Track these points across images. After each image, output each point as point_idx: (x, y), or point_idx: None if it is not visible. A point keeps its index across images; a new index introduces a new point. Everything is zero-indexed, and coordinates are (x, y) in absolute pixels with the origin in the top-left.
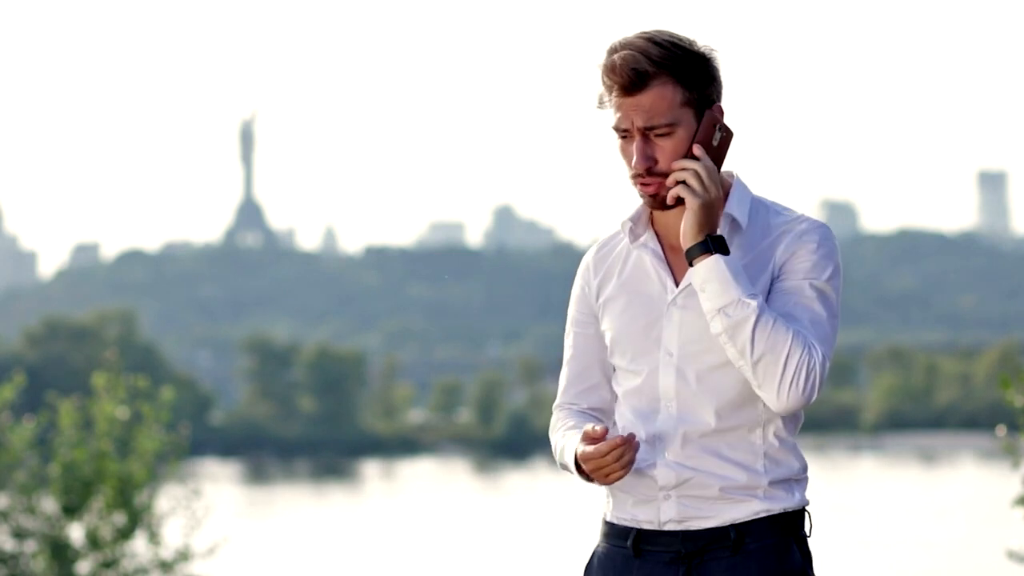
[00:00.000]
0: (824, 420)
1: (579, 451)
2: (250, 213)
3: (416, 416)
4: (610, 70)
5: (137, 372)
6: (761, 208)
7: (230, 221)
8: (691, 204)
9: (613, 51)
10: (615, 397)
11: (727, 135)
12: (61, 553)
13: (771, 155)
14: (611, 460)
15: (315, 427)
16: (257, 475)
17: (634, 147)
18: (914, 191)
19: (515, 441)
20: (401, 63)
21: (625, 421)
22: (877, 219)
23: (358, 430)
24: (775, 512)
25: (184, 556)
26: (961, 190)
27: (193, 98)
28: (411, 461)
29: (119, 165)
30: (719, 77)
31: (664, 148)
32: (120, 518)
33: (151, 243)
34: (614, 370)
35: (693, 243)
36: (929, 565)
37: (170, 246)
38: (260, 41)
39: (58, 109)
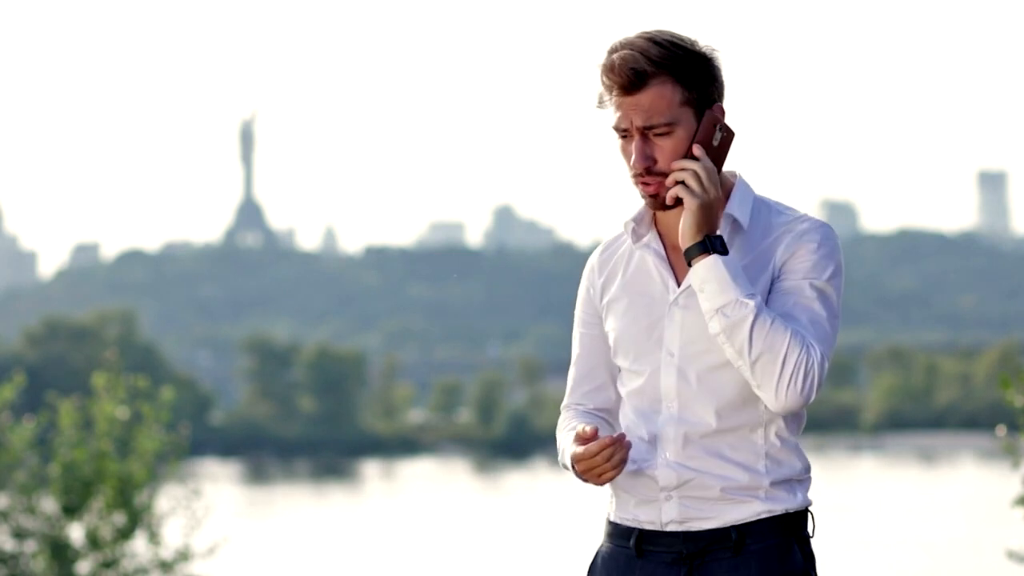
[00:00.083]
0: (824, 420)
1: (571, 452)
2: (250, 213)
3: (416, 416)
4: (609, 69)
5: (137, 372)
6: (763, 208)
7: (230, 221)
8: (689, 204)
9: (613, 51)
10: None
11: (728, 135)
12: (61, 553)
13: (771, 155)
14: (601, 460)
15: (315, 427)
16: (257, 475)
17: (633, 147)
18: (914, 191)
19: (515, 441)
20: (401, 63)
21: (628, 421)
22: (877, 219)
23: (358, 430)
24: (776, 513)
25: (184, 556)
26: (961, 190)
27: (193, 98)
28: (411, 461)
29: (119, 165)
30: (721, 77)
31: (663, 148)
32: (120, 518)
33: (151, 243)
34: (619, 370)
35: (692, 243)
36: (929, 565)
37: (170, 246)
38: (260, 41)
39: (58, 109)
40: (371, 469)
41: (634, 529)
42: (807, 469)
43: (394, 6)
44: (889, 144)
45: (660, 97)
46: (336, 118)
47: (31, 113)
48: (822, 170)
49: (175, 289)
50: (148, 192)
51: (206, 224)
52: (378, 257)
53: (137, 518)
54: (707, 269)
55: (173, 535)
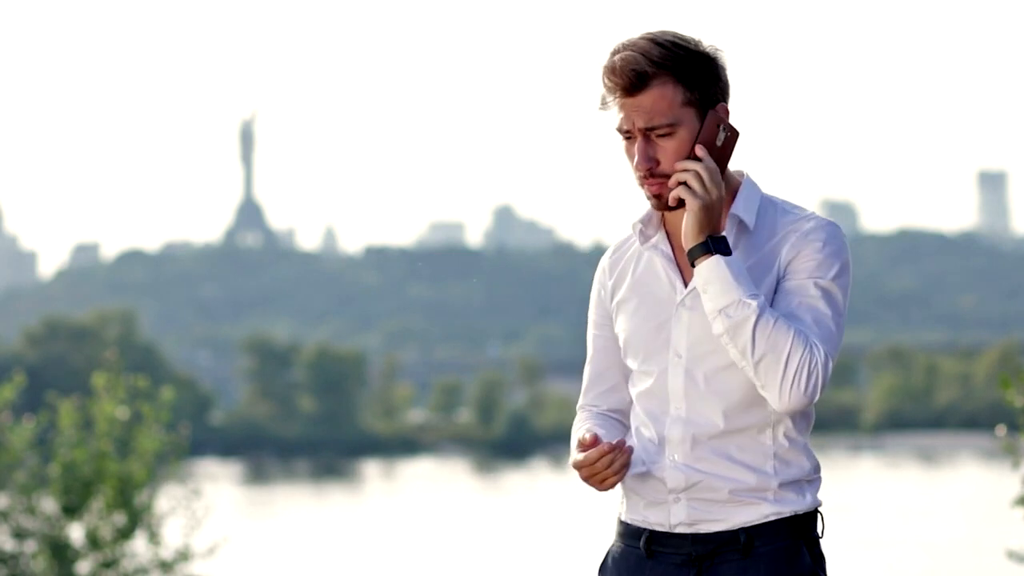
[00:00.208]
0: (824, 420)
1: (572, 460)
2: (250, 213)
3: (416, 416)
4: (611, 71)
5: (137, 372)
6: (770, 207)
7: (230, 221)
8: (691, 205)
9: (615, 52)
10: None
11: (732, 135)
12: (61, 553)
13: (771, 155)
14: (602, 467)
15: (315, 427)
16: (257, 475)
17: (636, 148)
18: (914, 191)
19: (515, 441)
20: (401, 63)
21: (638, 422)
22: (877, 219)
23: (358, 430)
24: (785, 515)
25: (184, 556)
26: (961, 190)
27: (193, 98)
28: (411, 461)
29: (119, 165)
30: (725, 77)
31: (666, 149)
32: (120, 518)
33: (151, 243)
34: (630, 372)
35: (694, 244)
36: (929, 565)
37: (170, 246)
38: (260, 41)
39: (58, 109)
40: (371, 469)
41: (644, 530)
42: (816, 469)
43: (394, 6)
44: (889, 144)
45: (661, 98)
46: (336, 118)
47: (31, 113)
48: (822, 170)
49: (175, 289)
50: (148, 192)
51: (206, 224)
52: (378, 257)
53: (137, 518)
54: (710, 270)
55: (173, 535)
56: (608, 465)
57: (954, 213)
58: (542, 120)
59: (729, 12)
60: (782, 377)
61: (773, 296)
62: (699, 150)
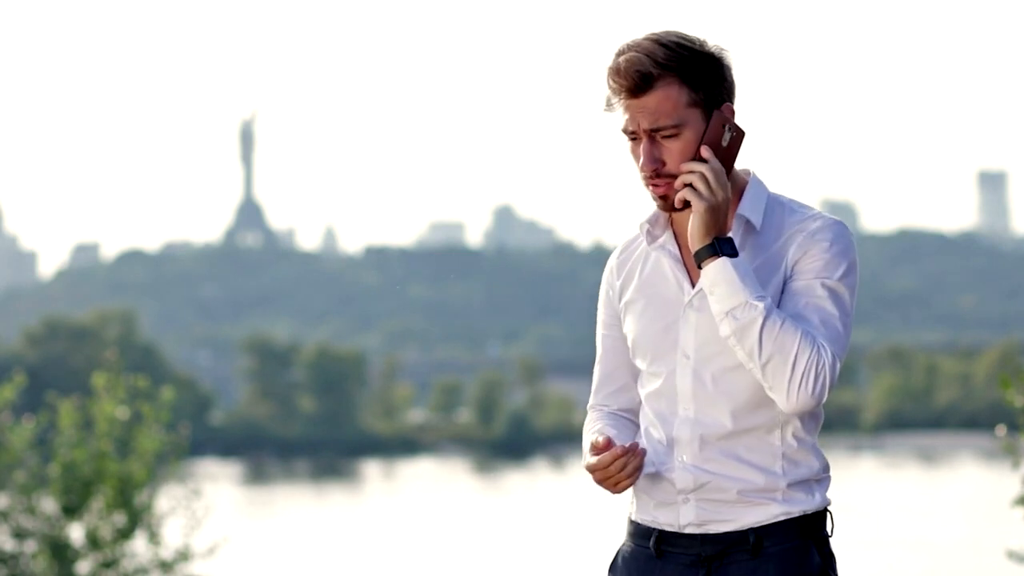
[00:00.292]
0: (824, 420)
1: (585, 463)
2: (250, 213)
3: (416, 416)
4: (615, 72)
5: (137, 372)
6: (777, 207)
7: (230, 221)
8: (697, 207)
9: (620, 53)
10: None
11: (738, 135)
12: (61, 553)
13: (771, 155)
14: (615, 470)
15: (315, 427)
16: (257, 475)
17: (641, 149)
18: (914, 191)
19: (515, 441)
20: (401, 63)
21: (647, 423)
22: (877, 219)
23: (358, 430)
24: (794, 515)
25: (184, 556)
26: (961, 190)
27: (193, 98)
28: (411, 461)
29: (119, 165)
30: (730, 77)
31: (671, 149)
32: (120, 518)
33: (151, 243)
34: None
35: (700, 246)
36: (929, 565)
37: (170, 246)
38: (260, 41)
39: (58, 109)
40: (371, 469)
41: (654, 530)
42: (825, 468)
43: (394, 6)
44: (889, 144)
45: (666, 99)
46: (336, 118)
47: (31, 113)
48: (822, 170)
49: (175, 289)
50: (148, 192)
51: (206, 224)
52: (378, 257)
53: (137, 518)
54: (716, 272)
55: (173, 535)
56: (622, 468)
57: (954, 213)
58: (542, 120)
59: (729, 12)
60: (789, 379)
61: (780, 296)
62: (704, 151)
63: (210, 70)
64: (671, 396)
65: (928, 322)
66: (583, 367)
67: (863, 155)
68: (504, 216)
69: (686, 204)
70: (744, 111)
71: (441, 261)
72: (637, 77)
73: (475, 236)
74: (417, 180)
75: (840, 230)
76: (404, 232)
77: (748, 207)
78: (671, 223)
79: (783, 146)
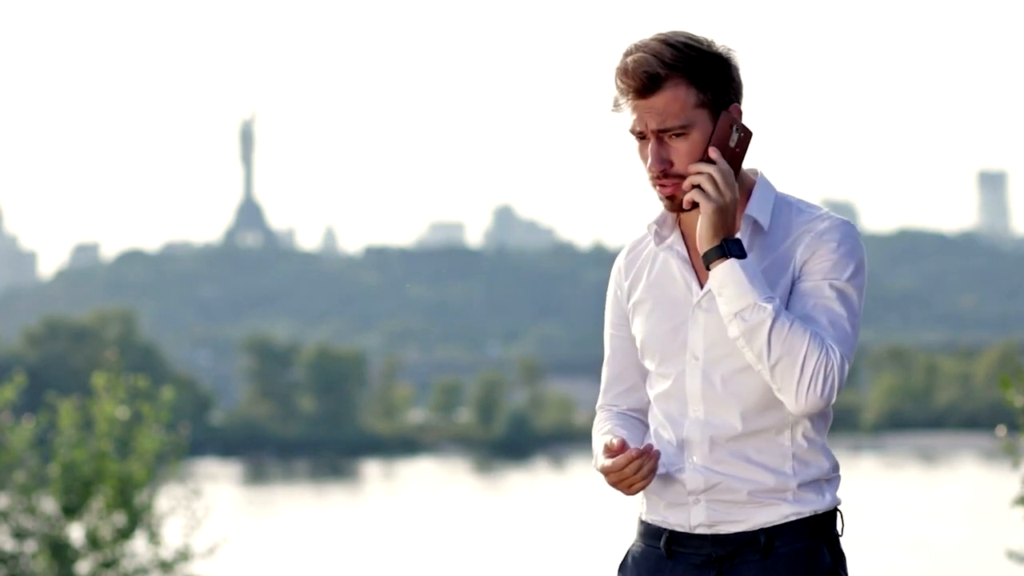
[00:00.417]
0: None
1: (599, 465)
2: (250, 213)
3: (416, 416)
4: (623, 73)
5: (137, 372)
6: (784, 207)
7: (230, 221)
8: (705, 209)
9: (627, 53)
10: None
11: (746, 135)
12: (61, 553)
13: (771, 155)
14: (630, 472)
15: (315, 427)
16: (257, 475)
17: (649, 150)
18: (914, 191)
19: (515, 441)
20: (401, 63)
21: (656, 424)
22: (877, 219)
23: (358, 430)
24: (804, 515)
25: (184, 556)
26: (961, 190)
27: (193, 98)
28: (411, 461)
29: (119, 165)
30: (738, 77)
31: (679, 150)
32: (120, 518)
33: (151, 243)
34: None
35: (709, 247)
36: (929, 565)
37: (170, 246)
38: (260, 41)
39: (58, 109)
40: (371, 469)
41: (664, 530)
42: (835, 468)
43: (394, 6)
44: (889, 144)
45: (674, 99)
46: (336, 118)
47: (31, 113)
48: (822, 170)
49: (175, 289)
50: (148, 192)
51: (206, 224)
52: (378, 257)
53: (137, 518)
54: (725, 273)
55: (173, 535)
56: (637, 470)
57: (954, 213)
58: (542, 120)
59: (728, 12)
60: (798, 380)
61: (788, 297)
62: (712, 152)
63: (210, 70)
64: (681, 397)
65: (928, 322)
66: (583, 367)
67: (863, 155)
68: (504, 216)
69: (694, 205)
70: (744, 111)
71: (441, 261)
72: (645, 78)
73: (475, 236)
74: (417, 180)
75: (848, 230)
76: (404, 232)
77: (756, 207)
78: (679, 224)
79: (783, 146)
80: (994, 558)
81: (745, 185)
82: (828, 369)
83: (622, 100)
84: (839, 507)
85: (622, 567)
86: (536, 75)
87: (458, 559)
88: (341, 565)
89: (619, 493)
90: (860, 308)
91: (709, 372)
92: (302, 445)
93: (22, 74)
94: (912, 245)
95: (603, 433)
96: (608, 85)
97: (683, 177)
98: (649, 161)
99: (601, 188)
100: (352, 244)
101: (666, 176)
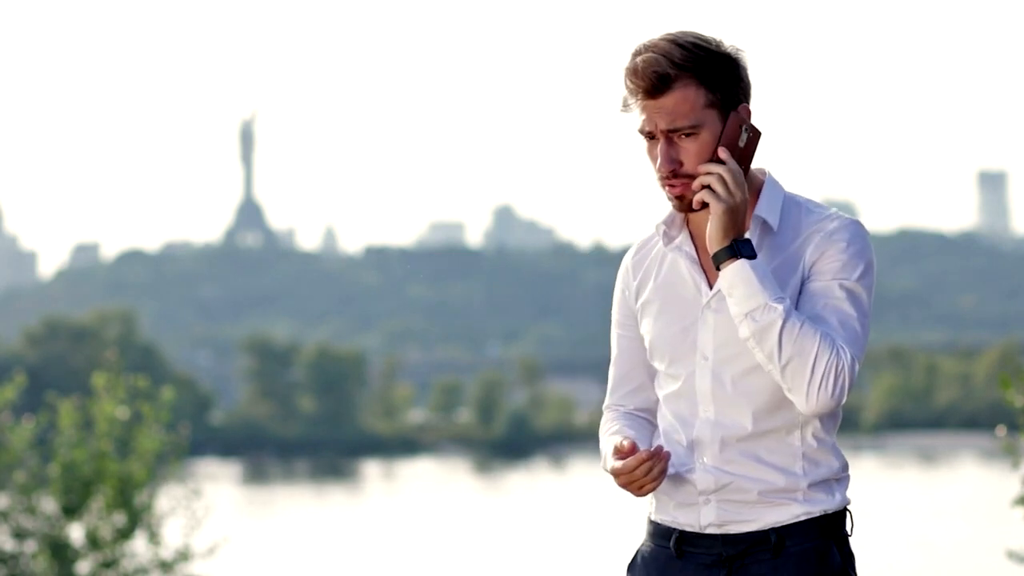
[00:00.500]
0: None
1: (609, 467)
2: (250, 213)
3: (416, 416)
4: (633, 73)
5: (137, 372)
6: (793, 207)
7: (230, 221)
8: (715, 209)
9: (637, 54)
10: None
11: (754, 135)
12: (61, 553)
13: (771, 155)
14: (641, 474)
15: (315, 427)
16: (257, 475)
17: (659, 150)
18: (914, 191)
19: (515, 441)
20: (401, 63)
21: (666, 424)
22: (877, 219)
23: (358, 430)
24: (815, 514)
25: (184, 556)
26: (961, 190)
27: (193, 98)
28: (411, 461)
29: (119, 165)
30: (746, 77)
31: (689, 150)
32: (120, 518)
33: (151, 243)
34: (656, 372)
35: (719, 248)
36: (929, 565)
37: (170, 246)
38: (260, 41)
39: (58, 109)
40: (371, 469)
41: (674, 530)
42: (844, 468)
43: (394, 6)
44: (889, 144)
45: (684, 100)
46: (336, 118)
47: (31, 113)
48: (822, 170)
49: (175, 289)
50: (148, 192)
51: (206, 224)
52: (378, 257)
53: (137, 518)
54: (735, 274)
55: (173, 535)
56: (647, 472)
57: (954, 213)
58: (542, 120)
59: (727, 12)
60: (809, 381)
61: (798, 297)
62: (722, 152)
63: (210, 70)
64: (691, 398)
65: (928, 322)
66: (583, 367)
67: (863, 155)
68: (504, 216)
69: (704, 205)
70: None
71: (441, 261)
72: (655, 78)
73: (475, 236)
74: (417, 180)
75: (857, 230)
76: (404, 232)
77: (765, 208)
78: (687, 224)
79: (783, 146)
80: (994, 558)
81: (754, 185)
82: (839, 369)
83: (631, 100)
84: (848, 507)
85: (631, 567)
86: (536, 75)
87: (458, 559)
88: (341, 565)
89: (628, 494)
90: (870, 308)
91: (719, 372)
92: (302, 445)
93: (22, 74)
94: (912, 245)
95: (611, 433)
96: (607, 86)
97: (692, 177)
98: (658, 161)
99: (601, 188)
100: (352, 244)
101: (675, 176)
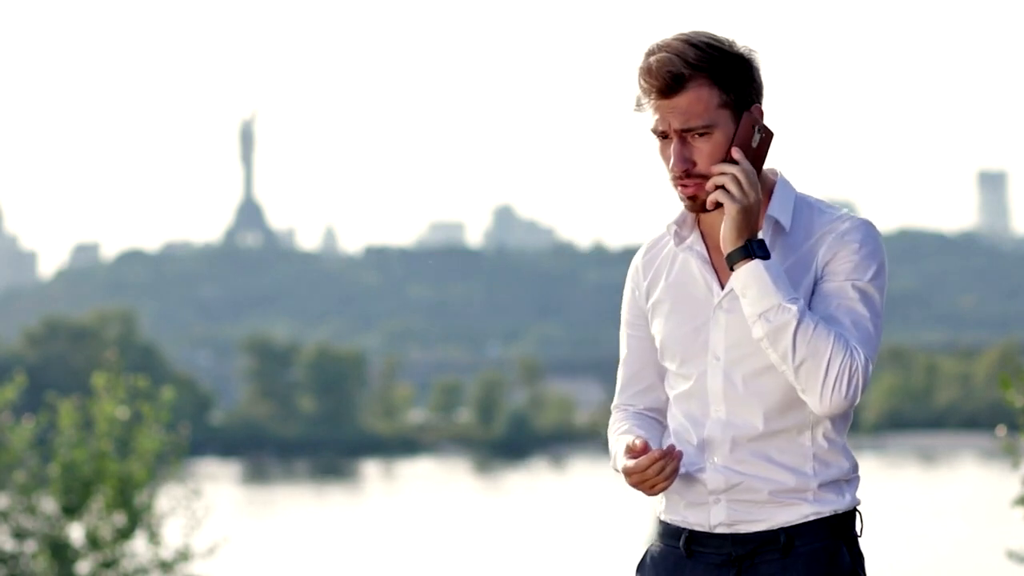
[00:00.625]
0: None
1: (620, 466)
2: (250, 213)
3: (416, 416)
4: (646, 73)
5: (137, 372)
6: (805, 207)
7: (230, 221)
8: (730, 209)
9: (650, 53)
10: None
11: (767, 136)
12: (61, 553)
13: (771, 155)
14: (653, 473)
15: (315, 427)
16: (257, 475)
17: (672, 150)
18: (914, 191)
19: (515, 441)
20: (401, 63)
21: (676, 424)
22: (877, 219)
23: (358, 430)
24: (825, 515)
25: (184, 556)
26: (961, 190)
27: (193, 98)
28: (411, 461)
29: (119, 165)
30: (759, 78)
31: (702, 150)
32: (120, 518)
33: (151, 243)
34: (667, 372)
35: (733, 248)
36: (929, 565)
37: (170, 246)
38: (260, 41)
39: (58, 109)
40: (371, 469)
41: (683, 530)
42: (855, 468)
43: (394, 6)
44: (889, 144)
45: (698, 100)
46: (336, 118)
47: (31, 113)
48: (822, 170)
49: (175, 289)
50: (148, 192)
51: (206, 224)
52: (378, 257)
53: (137, 518)
54: (749, 274)
55: (173, 535)
56: (659, 472)
57: (954, 213)
58: (542, 120)
59: (727, 11)
60: (823, 382)
61: (810, 297)
62: (735, 152)
63: (210, 70)
64: (702, 398)
65: (928, 322)
66: (583, 367)
67: (863, 155)
68: (504, 216)
69: (718, 205)
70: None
71: (441, 261)
72: (668, 78)
73: (475, 236)
74: (417, 180)
75: (869, 231)
76: (404, 232)
77: (777, 208)
78: (698, 224)
79: (783, 146)
80: (994, 558)
81: (766, 186)
82: (852, 370)
83: (645, 100)
84: (858, 507)
85: (640, 566)
86: (536, 75)
87: (458, 559)
88: (341, 565)
89: (637, 493)
90: (882, 308)
91: (731, 372)
92: (302, 445)
93: (22, 74)
94: (912, 245)
95: (621, 433)
96: (608, 86)
97: (705, 177)
98: (671, 161)
99: (601, 188)
100: (352, 244)
101: (688, 176)
